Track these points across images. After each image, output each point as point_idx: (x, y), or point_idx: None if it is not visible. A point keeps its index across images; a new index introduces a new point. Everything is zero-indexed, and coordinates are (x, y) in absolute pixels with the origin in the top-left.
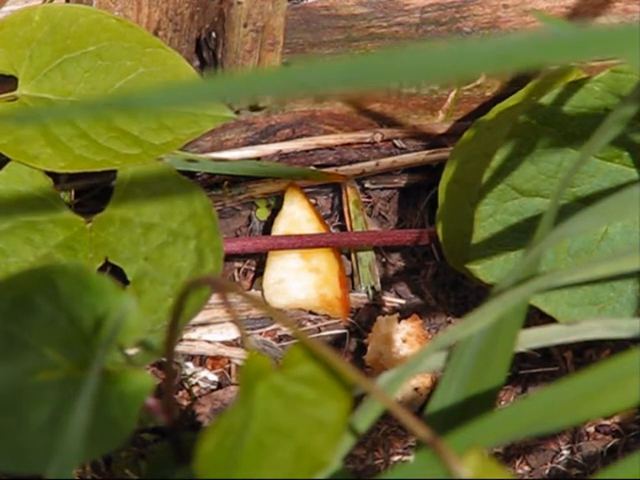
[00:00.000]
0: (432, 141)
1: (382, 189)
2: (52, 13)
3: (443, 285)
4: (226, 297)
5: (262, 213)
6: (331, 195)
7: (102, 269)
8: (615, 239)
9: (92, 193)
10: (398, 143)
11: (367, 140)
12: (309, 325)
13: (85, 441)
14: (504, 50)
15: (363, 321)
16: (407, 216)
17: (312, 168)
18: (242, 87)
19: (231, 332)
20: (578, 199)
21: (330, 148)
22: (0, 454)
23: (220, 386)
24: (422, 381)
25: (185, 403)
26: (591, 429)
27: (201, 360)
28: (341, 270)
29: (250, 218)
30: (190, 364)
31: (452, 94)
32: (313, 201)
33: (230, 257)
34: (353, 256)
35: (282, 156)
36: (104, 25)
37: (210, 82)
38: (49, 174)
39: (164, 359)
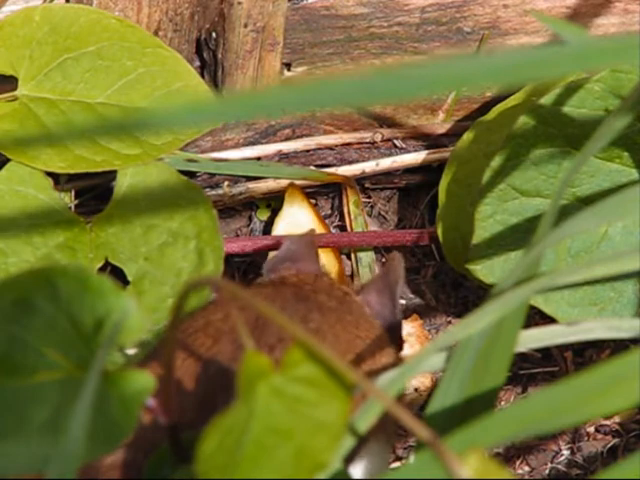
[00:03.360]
0: (432, 141)
1: (382, 189)
2: (52, 13)
3: (443, 285)
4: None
5: (262, 213)
6: (331, 195)
7: (102, 269)
8: (615, 239)
9: (92, 193)
10: (398, 143)
11: (367, 140)
12: None
13: (86, 442)
14: (509, 64)
15: None
16: (407, 216)
17: (312, 168)
18: (256, 107)
19: None
20: (578, 199)
21: (330, 148)
22: (0, 454)
23: None
24: (422, 381)
25: None
26: (591, 429)
27: None
28: (341, 270)
29: (250, 218)
30: None
31: (452, 94)
32: (313, 201)
33: (230, 257)
34: (353, 256)
35: (282, 156)
36: (104, 25)
37: (229, 104)
38: (49, 174)
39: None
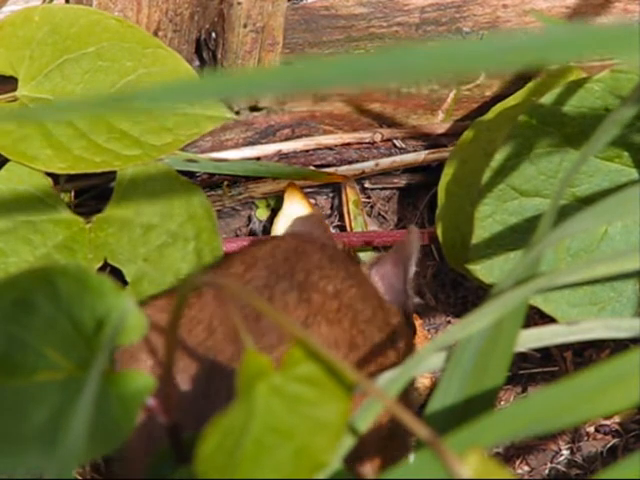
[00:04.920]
0: (432, 141)
1: (382, 189)
2: (52, 14)
3: (443, 285)
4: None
5: (262, 213)
6: (331, 195)
7: (102, 269)
8: (615, 239)
9: (92, 193)
10: (398, 143)
11: (367, 140)
12: None
13: (86, 441)
14: (504, 49)
15: None
16: (407, 216)
17: (312, 168)
18: (241, 85)
19: None
20: (578, 199)
21: (330, 148)
22: (0, 454)
23: None
24: (422, 381)
25: None
26: (591, 429)
27: None
28: None
29: (250, 218)
30: None
31: (452, 94)
32: (313, 201)
33: None
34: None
35: (282, 156)
36: (104, 26)
37: (209, 80)
38: (49, 174)
39: (164, 359)
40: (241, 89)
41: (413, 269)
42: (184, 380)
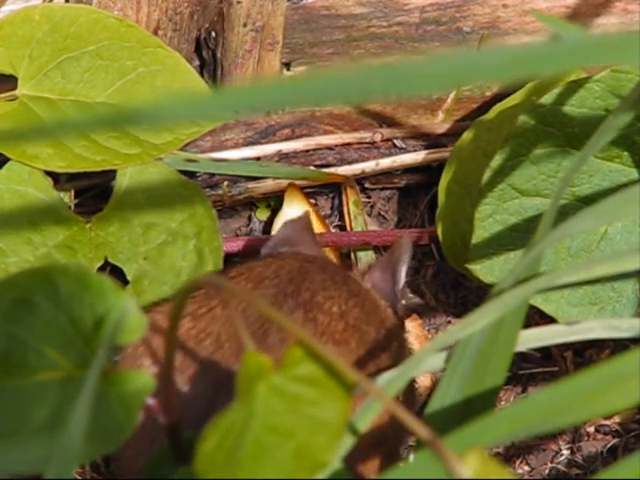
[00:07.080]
0: (432, 141)
1: (382, 189)
2: (52, 13)
3: (443, 285)
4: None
5: (262, 213)
6: (331, 195)
7: (102, 269)
8: (615, 239)
9: (92, 193)
10: (398, 143)
11: (367, 140)
12: None
13: (85, 441)
14: (508, 60)
15: None
16: (407, 216)
17: (312, 168)
18: (253, 101)
19: None
20: (578, 199)
21: (330, 148)
22: (0, 454)
23: None
24: (422, 381)
25: None
26: (591, 429)
27: None
28: None
29: (250, 218)
30: None
31: (452, 94)
32: (313, 201)
33: (230, 257)
34: (353, 256)
35: (282, 156)
36: (104, 25)
37: (222, 96)
38: (49, 174)
39: (164, 360)
40: (253, 105)
41: (404, 272)
42: (191, 393)
